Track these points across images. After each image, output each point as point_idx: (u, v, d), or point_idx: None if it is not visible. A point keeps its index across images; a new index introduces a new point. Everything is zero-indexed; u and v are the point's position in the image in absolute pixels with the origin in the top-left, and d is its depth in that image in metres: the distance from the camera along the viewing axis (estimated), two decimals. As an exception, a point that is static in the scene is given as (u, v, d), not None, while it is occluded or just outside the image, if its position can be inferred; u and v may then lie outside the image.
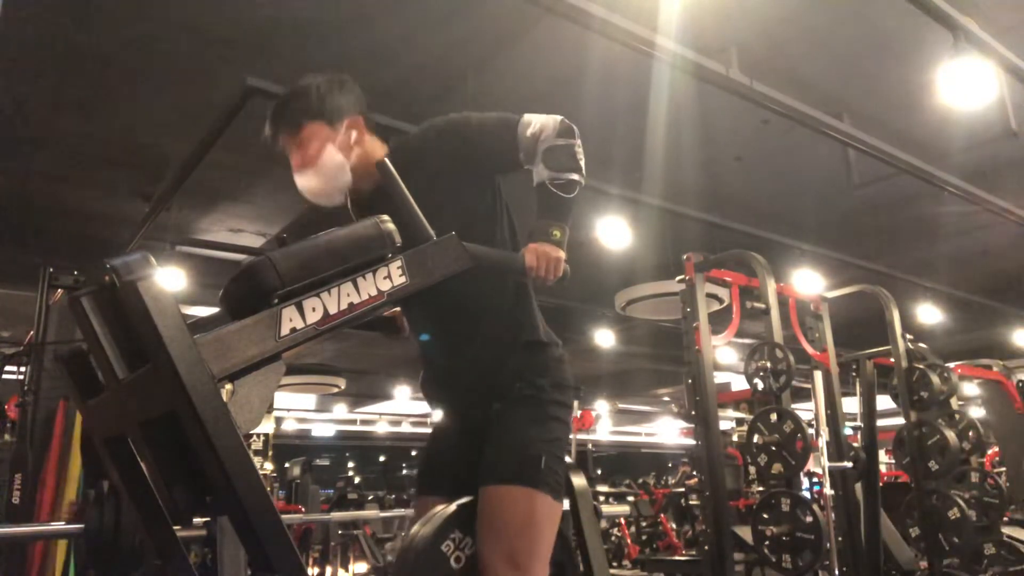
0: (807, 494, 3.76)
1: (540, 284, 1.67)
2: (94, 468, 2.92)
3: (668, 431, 20.86)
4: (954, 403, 4.86)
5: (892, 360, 4.54)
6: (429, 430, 2.00)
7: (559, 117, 1.71)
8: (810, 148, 5.26)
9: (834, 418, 4.17)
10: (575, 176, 1.69)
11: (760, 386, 3.77)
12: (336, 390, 12.19)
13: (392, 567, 1.65)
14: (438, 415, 1.93)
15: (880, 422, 4.74)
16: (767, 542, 3.52)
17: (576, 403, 6.72)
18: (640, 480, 11.95)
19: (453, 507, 1.64)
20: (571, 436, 1.82)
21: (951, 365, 4.84)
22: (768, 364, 3.75)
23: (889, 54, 4.31)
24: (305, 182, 1.76)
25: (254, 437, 9.58)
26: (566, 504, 1.80)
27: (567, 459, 1.75)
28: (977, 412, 6.91)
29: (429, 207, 1.72)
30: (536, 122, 1.71)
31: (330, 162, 1.73)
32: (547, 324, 1.83)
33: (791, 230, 6.59)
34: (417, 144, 1.81)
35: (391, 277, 1.20)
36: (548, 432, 1.69)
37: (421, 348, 1.89)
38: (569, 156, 1.69)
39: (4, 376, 3.79)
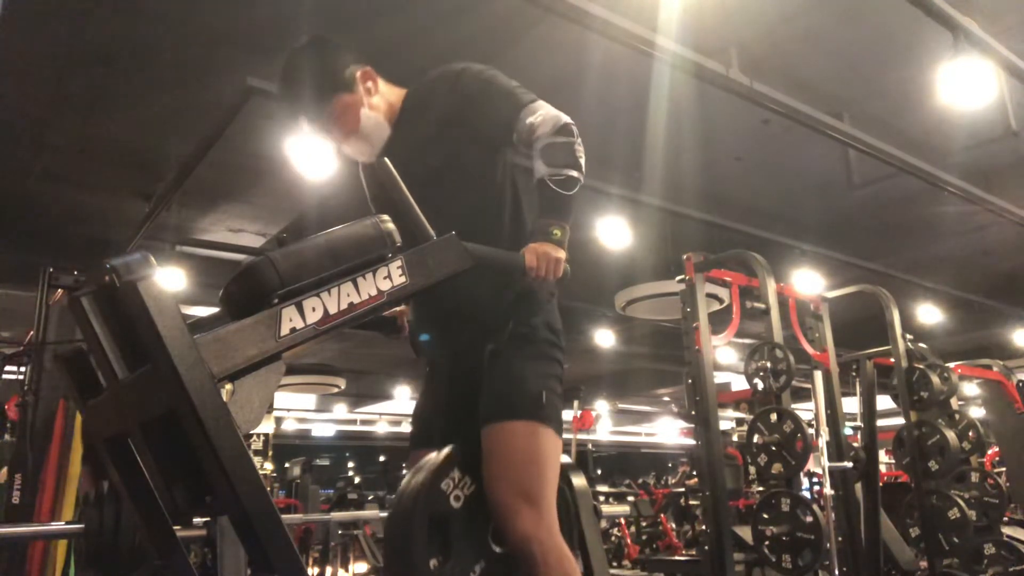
0: (807, 494, 3.76)
1: (541, 284, 1.67)
2: (98, 468, 2.92)
3: (668, 431, 20.85)
4: (954, 403, 4.85)
5: (892, 360, 4.54)
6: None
7: (565, 119, 1.72)
8: (810, 148, 5.26)
9: (834, 418, 4.17)
10: (574, 173, 1.69)
11: (760, 386, 3.77)
12: (336, 390, 12.18)
13: (390, 507, 1.64)
14: (428, 369, 1.93)
15: (880, 422, 4.74)
16: (767, 542, 3.52)
17: (576, 402, 6.71)
18: (640, 480, 11.95)
19: (451, 447, 1.64)
20: (564, 368, 1.82)
21: (951, 365, 4.84)
22: (768, 364, 3.75)
23: (889, 54, 4.31)
24: (354, 150, 1.85)
25: (254, 437, 9.58)
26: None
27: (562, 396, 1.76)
28: (977, 412, 6.91)
29: (431, 162, 1.76)
30: (540, 113, 1.72)
31: (369, 124, 1.81)
32: None
33: (791, 230, 6.59)
34: (427, 93, 1.85)
35: (391, 277, 1.20)
36: (545, 368, 1.72)
37: (413, 301, 1.88)
38: (567, 153, 1.69)
39: (4, 376, 3.79)
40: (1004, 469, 5.94)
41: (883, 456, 7.87)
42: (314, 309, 1.09)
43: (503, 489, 1.59)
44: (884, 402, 4.96)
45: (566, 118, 1.72)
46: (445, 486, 1.59)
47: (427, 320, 1.86)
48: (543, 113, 1.72)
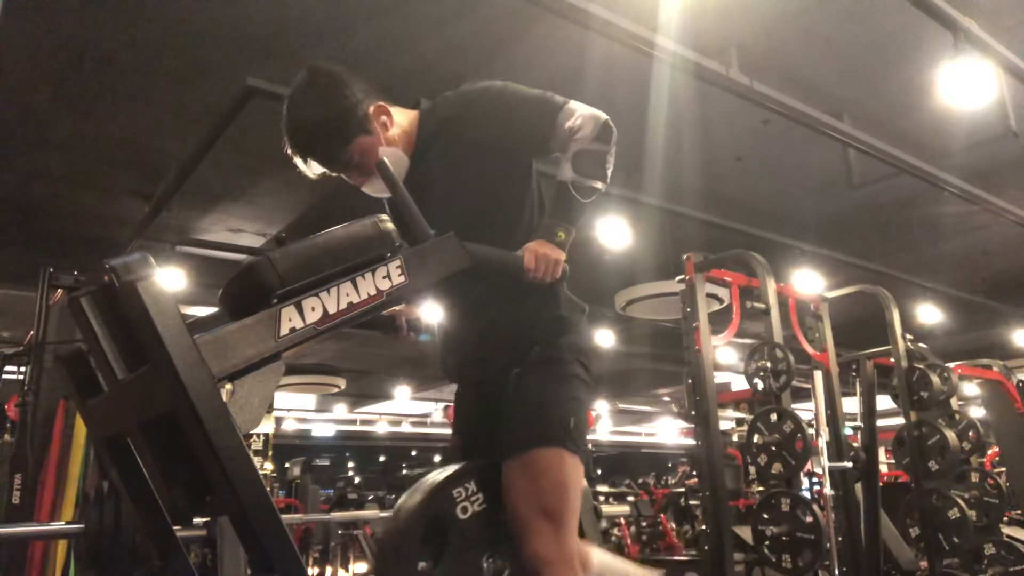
0: (807, 494, 3.76)
1: (538, 284, 1.67)
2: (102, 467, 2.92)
3: (668, 431, 20.85)
4: (954, 403, 4.86)
5: (892, 360, 4.54)
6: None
7: (604, 117, 1.68)
8: (810, 148, 5.25)
9: (834, 418, 4.17)
10: (599, 184, 1.68)
11: (760, 386, 3.78)
12: (336, 390, 12.17)
13: (400, 503, 1.63)
14: (458, 388, 1.93)
15: (880, 422, 4.74)
16: (767, 542, 3.52)
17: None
18: (640, 480, 11.95)
19: (472, 462, 1.64)
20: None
21: (951, 365, 4.84)
22: (768, 364, 3.75)
23: (889, 54, 4.31)
24: (374, 188, 1.75)
25: (254, 437, 9.57)
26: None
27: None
28: (977, 412, 6.91)
29: (455, 186, 1.70)
30: (578, 115, 1.67)
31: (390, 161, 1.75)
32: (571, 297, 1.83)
33: (791, 230, 6.59)
34: (448, 114, 1.75)
35: (390, 276, 1.21)
36: (569, 391, 1.68)
37: (442, 329, 1.88)
38: (598, 164, 1.67)
39: (4, 376, 3.80)
40: (1004, 469, 5.94)
41: (883, 456, 7.87)
42: (313, 309, 1.09)
43: (525, 508, 1.55)
44: (884, 402, 4.96)
45: (604, 116, 1.68)
46: (456, 493, 1.57)
47: (458, 342, 1.85)
48: (581, 114, 1.66)
